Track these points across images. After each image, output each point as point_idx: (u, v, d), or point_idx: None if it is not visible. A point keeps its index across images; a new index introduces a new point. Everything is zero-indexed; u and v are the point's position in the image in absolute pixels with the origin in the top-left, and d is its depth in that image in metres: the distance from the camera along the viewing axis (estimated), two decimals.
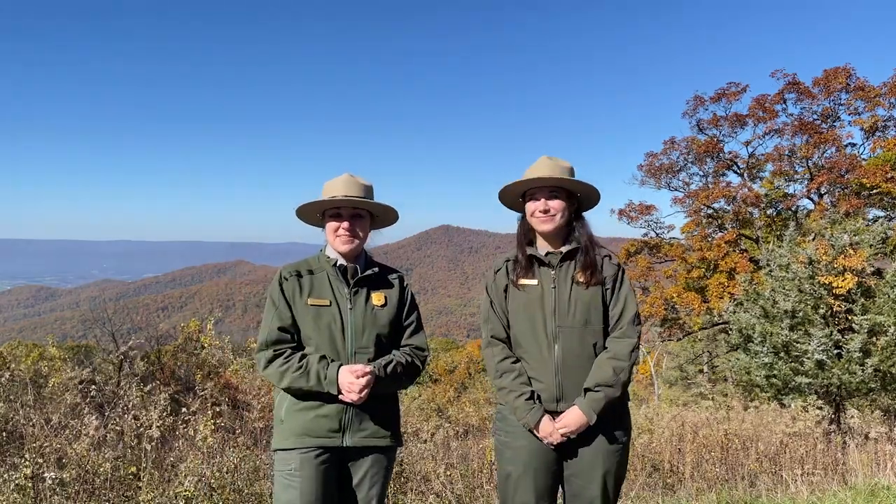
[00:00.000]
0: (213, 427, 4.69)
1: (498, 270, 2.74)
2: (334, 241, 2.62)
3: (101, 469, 4.10)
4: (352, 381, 2.40)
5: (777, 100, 21.28)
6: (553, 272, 2.64)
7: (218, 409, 5.68)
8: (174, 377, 7.44)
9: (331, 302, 2.56)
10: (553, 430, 2.53)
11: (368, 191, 2.66)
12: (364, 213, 2.65)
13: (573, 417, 2.52)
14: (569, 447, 2.58)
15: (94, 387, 5.78)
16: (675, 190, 23.11)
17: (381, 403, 2.55)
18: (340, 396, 2.44)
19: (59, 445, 4.29)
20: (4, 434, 4.93)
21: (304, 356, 2.50)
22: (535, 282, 2.65)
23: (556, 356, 2.58)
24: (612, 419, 2.58)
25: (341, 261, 2.63)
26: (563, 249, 2.66)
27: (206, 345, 7.54)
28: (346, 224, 2.59)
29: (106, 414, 5.02)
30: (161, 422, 4.53)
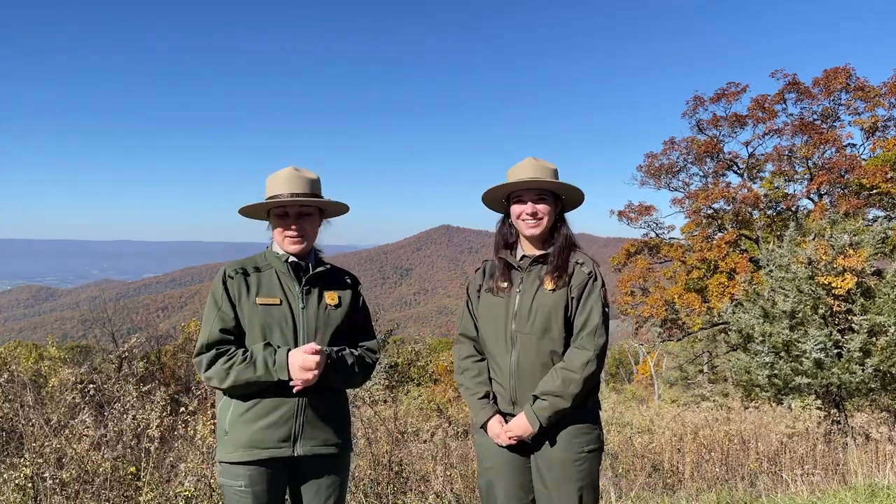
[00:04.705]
0: (212, 427, 4.68)
1: (477, 270, 2.78)
2: (283, 241, 2.48)
3: (101, 469, 4.10)
4: (305, 357, 2.26)
5: (777, 100, 21.26)
6: (521, 276, 2.62)
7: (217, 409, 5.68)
8: (174, 377, 7.44)
9: (281, 301, 2.42)
10: (501, 431, 2.53)
11: (314, 185, 2.49)
12: (312, 211, 2.49)
13: (518, 423, 2.52)
14: (532, 449, 2.58)
15: (92, 386, 5.78)
16: (675, 190, 23.10)
17: (332, 407, 2.45)
18: (292, 383, 2.29)
19: (59, 445, 4.28)
20: (4, 434, 4.93)
21: (247, 349, 2.36)
22: (504, 284, 2.64)
23: (511, 361, 2.56)
24: (576, 428, 2.53)
25: (292, 258, 2.49)
26: (537, 253, 2.63)
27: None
28: (293, 226, 2.44)
29: (106, 414, 5.02)
30: (160, 421, 4.53)
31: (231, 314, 2.39)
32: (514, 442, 2.53)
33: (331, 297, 2.50)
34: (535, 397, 2.50)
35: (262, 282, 2.45)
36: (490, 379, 2.65)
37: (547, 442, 2.54)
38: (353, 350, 2.51)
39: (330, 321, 2.47)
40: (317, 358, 2.28)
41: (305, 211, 2.48)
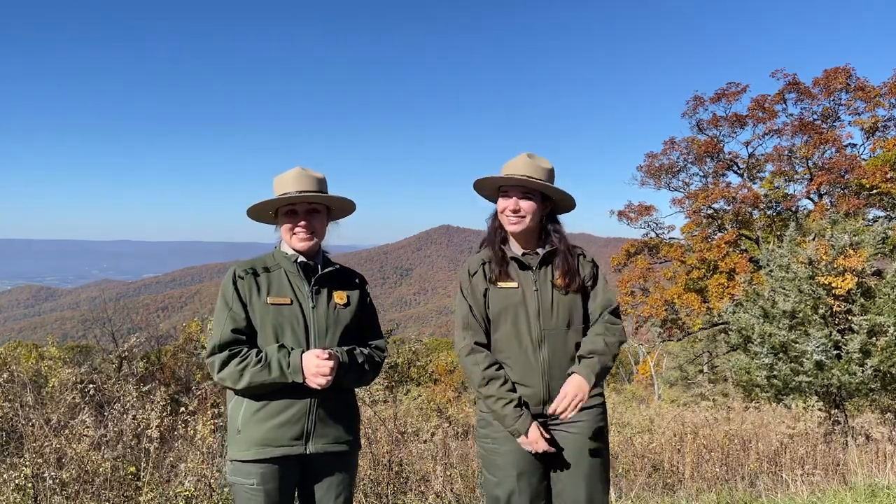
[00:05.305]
0: (212, 427, 4.68)
1: (475, 273, 2.66)
2: (291, 239, 2.49)
3: (101, 469, 4.10)
4: (318, 363, 2.29)
5: (777, 100, 21.28)
6: (533, 275, 2.62)
7: (218, 410, 5.68)
8: (174, 377, 7.44)
9: (292, 300, 2.43)
10: (538, 437, 2.52)
11: (322, 183, 2.52)
12: (320, 208, 2.53)
13: (574, 384, 2.49)
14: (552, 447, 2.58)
15: (92, 386, 5.78)
16: (675, 190, 23.14)
17: (343, 405, 2.48)
18: (306, 383, 2.32)
19: (58, 445, 4.28)
20: (4, 434, 4.93)
21: (261, 350, 2.38)
22: (514, 284, 2.61)
23: (542, 360, 2.57)
24: (591, 416, 2.59)
25: (301, 258, 2.50)
26: (540, 251, 2.64)
27: (205, 345, 7.51)
28: (302, 222, 2.46)
29: (106, 414, 5.02)
30: (160, 421, 4.53)
31: (242, 314, 2.40)
32: (551, 449, 2.52)
33: (340, 297, 2.53)
34: (581, 357, 2.55)
35: (272, 282, 2.46)
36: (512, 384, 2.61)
37: (567, 436, 2.58)
38: (362, 349, 2.53)
39: (339, 320, 2.49)
40: (330, 363, 2.31)
41: (314, 208, 2.51)
